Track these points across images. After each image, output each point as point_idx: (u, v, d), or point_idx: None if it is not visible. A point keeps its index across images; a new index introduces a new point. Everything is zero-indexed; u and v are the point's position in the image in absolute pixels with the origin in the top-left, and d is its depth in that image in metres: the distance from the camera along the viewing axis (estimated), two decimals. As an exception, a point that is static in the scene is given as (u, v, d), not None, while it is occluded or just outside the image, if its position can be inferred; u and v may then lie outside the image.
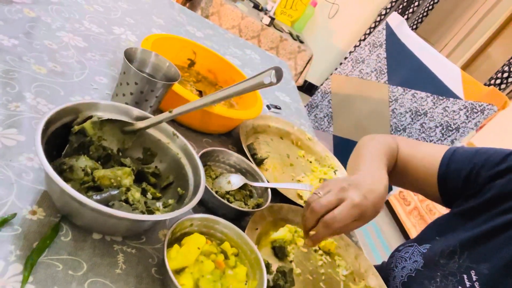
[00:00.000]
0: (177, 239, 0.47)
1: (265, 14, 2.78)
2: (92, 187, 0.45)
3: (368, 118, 1.28)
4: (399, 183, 0.74)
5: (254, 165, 0.66)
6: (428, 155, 0.69)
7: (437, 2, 3.21)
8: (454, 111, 1.08)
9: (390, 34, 1.28)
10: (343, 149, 1.32)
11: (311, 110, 1.42)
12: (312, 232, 0.52)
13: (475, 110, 1.03)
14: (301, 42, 2.91)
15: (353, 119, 1.33)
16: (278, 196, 0.70)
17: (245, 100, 0.82)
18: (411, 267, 0.63)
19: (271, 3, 3.02)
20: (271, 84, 0.69)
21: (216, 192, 0.59)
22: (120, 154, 0.52)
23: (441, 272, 0.59)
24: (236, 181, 0.62)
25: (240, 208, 0.56)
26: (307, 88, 3.68)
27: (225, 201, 0.56)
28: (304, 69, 2.98)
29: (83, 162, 0.46)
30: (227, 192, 0.61)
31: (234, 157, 0.65)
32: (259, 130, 0.85)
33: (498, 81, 2.81)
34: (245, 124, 0.79)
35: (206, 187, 0.53)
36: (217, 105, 0.67)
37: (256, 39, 2.77)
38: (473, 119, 1.03)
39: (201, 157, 0.59)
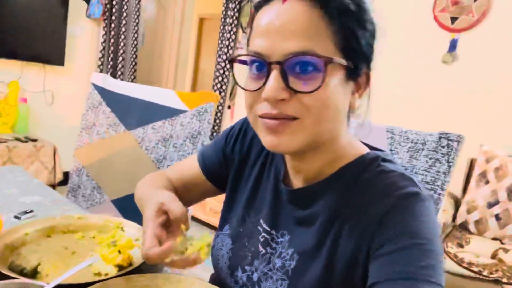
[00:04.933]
0: None
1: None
2: None
3: (131, 167, 1.30)
4: (190, 203, 0.82)
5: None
6: (190, 166, 0.81)
7: (135, 58, 3.51)
8: (189, 122, 1.23)
9: (102, 91, 1.33)
10: (129, 207, 1.30)
11: (75, 194, 1.33)
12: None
13: (201, 112, 1.20)
14: (34, 140, 2.66)
15: (119, 175, 1.32)
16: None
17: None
18: (227, 250, 0.70)
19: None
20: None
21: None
22: None
23: (246, 238, 0.68)
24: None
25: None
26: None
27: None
28: (55, 162, 2.74)
29: None
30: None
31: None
32: (16, 245, 0.74)
33: (218, 85, 3.35)
34: (-8, 250, 0.67)
35: None
36: None
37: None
38: (204, 119, 1.20)
39: None
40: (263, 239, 0.66)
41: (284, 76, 0.50)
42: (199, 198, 0.84)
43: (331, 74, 0.50)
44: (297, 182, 0.63)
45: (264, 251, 0.65)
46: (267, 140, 0.52)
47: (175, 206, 0.59)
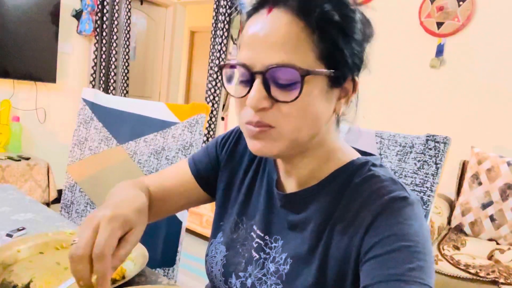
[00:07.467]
0: None
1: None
2: None
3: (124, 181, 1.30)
4: (163, 213, 0.77)
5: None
6: (176, 171, 0.78)
7: (127, 73, 3.53)
8: (180, 134, 1.23)
9: (93, 106, 1.34)
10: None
11: (68, 211, 1.32)
12: (93, 279, 0.46)
13: (192, 123, 1.21)
14: (27, 158, 2.65)
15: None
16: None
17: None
18: (221, 257, 0.70)
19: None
20: None
21: None
22: None
23: (239, 244, 0.68)
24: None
25: None
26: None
27: None
28: (48, 181, 2.72)
29: None
30: None
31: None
32: (8, 262, 0.73)
33: (211, 97, 3.37)
34: (-16, 268, 0.67)
35: None
36: None
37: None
38: (196, 131, 1.21)
39: None
40: (256, 244, 0.66)
41: (266, 85, 0.52)
42: (180, 208, 0.80)
43: (311, 83, 0.52)
44: (289, 187, 0.64)
45: (257, 256, 0.65)
46: (251, 144, 0.55)
47: (136, 240, 0.52)
